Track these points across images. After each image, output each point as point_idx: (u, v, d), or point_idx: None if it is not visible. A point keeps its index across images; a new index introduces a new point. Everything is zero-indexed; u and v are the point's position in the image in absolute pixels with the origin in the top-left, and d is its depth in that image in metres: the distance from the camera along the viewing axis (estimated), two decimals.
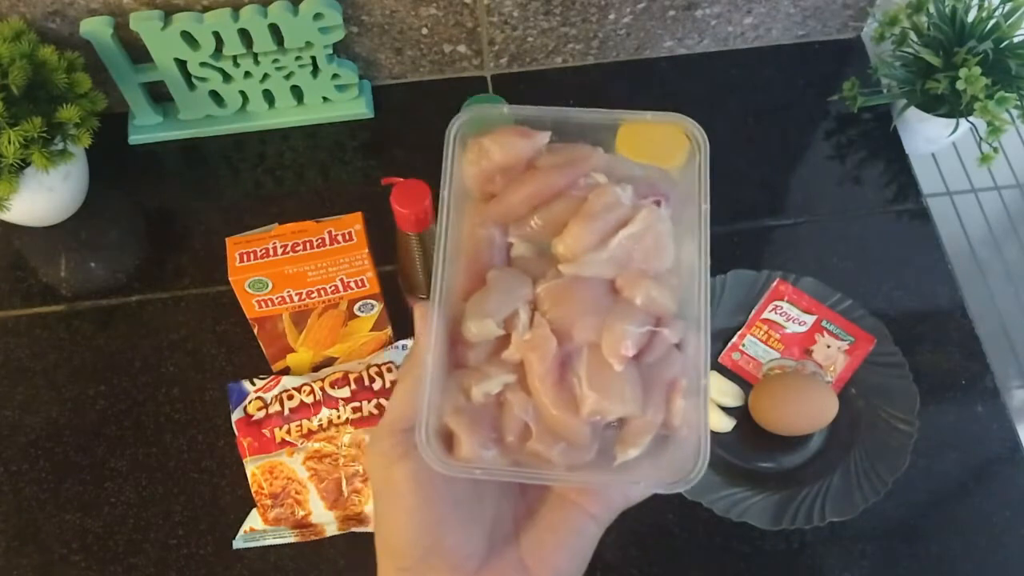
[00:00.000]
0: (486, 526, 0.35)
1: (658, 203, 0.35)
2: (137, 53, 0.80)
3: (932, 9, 0.81)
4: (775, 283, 0.76)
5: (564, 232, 0.34)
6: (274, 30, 0.78)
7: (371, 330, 0.72)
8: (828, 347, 0.74)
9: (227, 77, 0.82)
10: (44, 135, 0.71)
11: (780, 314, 0.75)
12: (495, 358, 0.34)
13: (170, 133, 0.87)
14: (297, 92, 0.86)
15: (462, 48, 0.87)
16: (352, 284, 0.66)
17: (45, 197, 0.77)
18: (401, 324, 0.74)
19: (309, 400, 0.69)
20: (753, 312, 0.76)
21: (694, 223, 0.35)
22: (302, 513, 0.68)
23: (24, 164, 0.72)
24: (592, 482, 0.34)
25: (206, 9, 0.77)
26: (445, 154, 0.36)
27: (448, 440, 0.33)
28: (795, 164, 0.87)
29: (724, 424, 0.72)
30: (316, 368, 0.74)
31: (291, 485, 0.67)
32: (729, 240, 0.81)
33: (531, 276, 0.34)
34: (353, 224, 0.64)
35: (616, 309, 0.34)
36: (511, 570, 0.34)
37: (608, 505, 0.34)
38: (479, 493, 0.35)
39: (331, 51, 0.82)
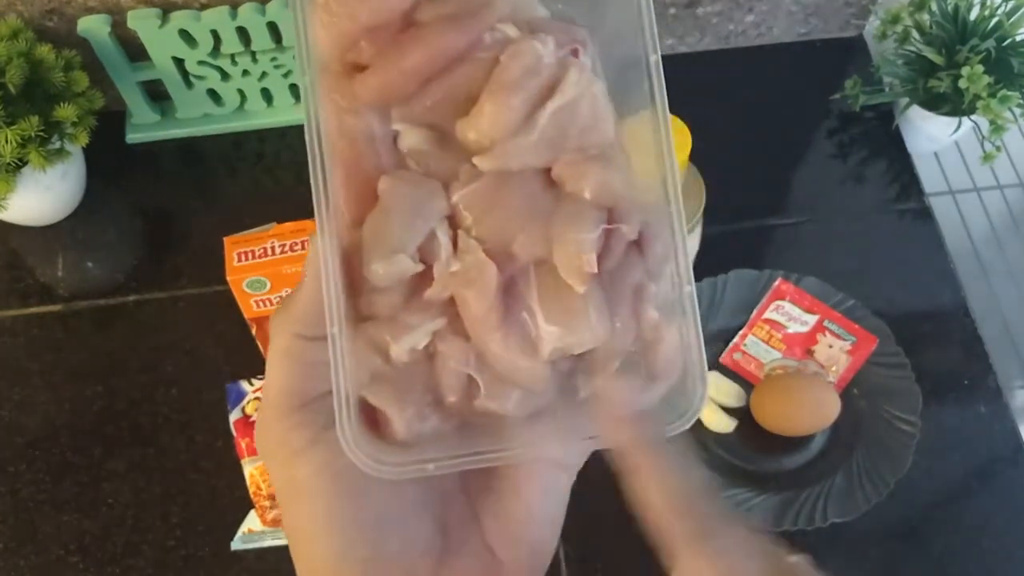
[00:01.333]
0: (435, 511, 0.27)
1: (576, 52, 0.26)
2: (134, 51, 0.80)
3: (934, 7, 0.80)
4: (777, 283, 0.76)
5: (475, 111, 0.25)
6: (272, 28, 0.78)
7: None
8: (830, 347, 0.74)
9: (225, 75, 0.82)
10: (41, 134, 0.70)
11: (782, 314, 0.75)
12: (414, 301, 0.26)
13: (168, 132, 0.86)
14: (295, 90, 0.85)
15: None
16: None
17: (42, 196, 0.77)
18: None
19: None
20: (755, 312, 0.76)
21: (634, 78, 0.27)
22: None
23: (21, 163, 0.72)
24: (577, 443, 0.27)
25: (204, 7, 0.77)
26: (294, 17, 0.26)
27: (371, 419, 0.26)
28: (797, 163, 0.86)
29: (725, 424, 0.71)
30: None
31: None
32: (730, 240, 0.81)
33: (437, 179, 0.26)
34: None
35: (563, 211, 0.26)
36: (476, 563, 0.27)
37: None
38: None
39: None
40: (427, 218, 0.25)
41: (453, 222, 0.26)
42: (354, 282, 0.26)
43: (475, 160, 0.25)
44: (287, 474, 0.26)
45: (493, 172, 0.26)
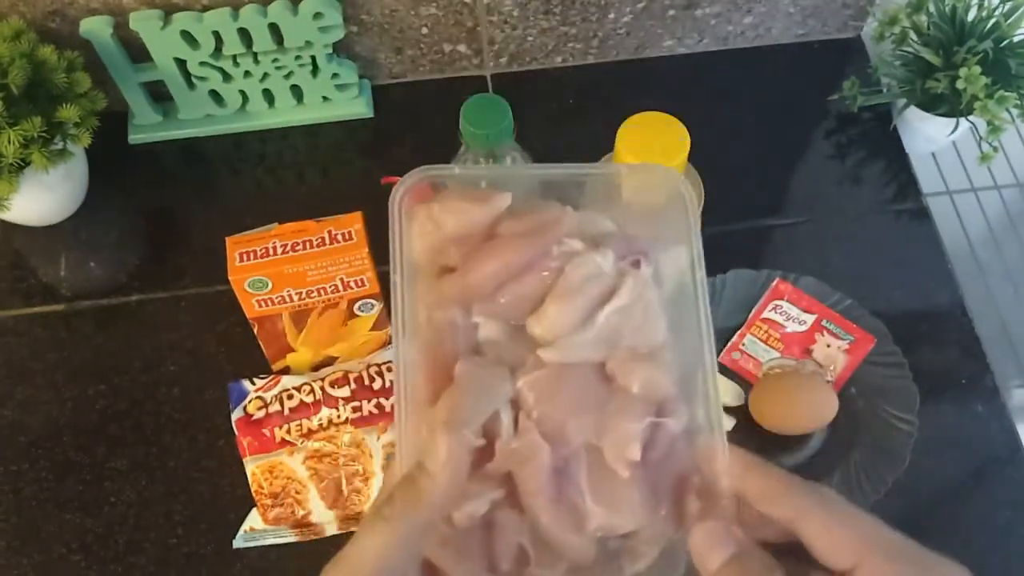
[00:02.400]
0: None
1: (637, 263, 0.30)
2: (137, 52, 0.80)
3: (932, 8, 0.81)
4: (775, 282, 0.76)
5: (541, 310, 0.29)
6: (274, 29, 0.78)
7: (371, 329, 0.72)
8: (828, 346, 0.74)
9: (227, 76, 0.82)
10: (44, 135, 0.71)
11: (780, 313, 0.75)
12: (477, 472, 0.28)
13: (170, 132, 0.87)
14: (297, 91, 0.86)
15: (462, 47, 0.87)
16: (352, 284, 0.66)
17: (45, 196, 0.77)
18: None
19: (309, 399, 0.69)
20: (753, 311, 0.76)
21: (686, 288, 0.30)
22: (302, 513, 0.68)
23: (24, 163, 0.72)
24: None
25: (206, 9, 0.77)
26: (391, 228, 0.31)
27: None
28: (795, 163, 0.87)
29: (724, 423, 0.72)
30: (316, 368, 0.74)
31: (291, 485, 0.67)
32: (729, 239, 0.81)
33: (506, 365, 0.29)
34: (353, 224, 0.64)
35: (614, 403, 0.29)
36: None
37: None
38: None
39: (331, 50, 0.82)
40: (494, 399, 0.29)
41: (516, 404, 0.29)
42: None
43: (539, 352, 0.29)
44: None
45: (555, 363, 0.29)
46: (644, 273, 0.30)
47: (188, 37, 0.78)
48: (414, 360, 0.29)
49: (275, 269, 0.63)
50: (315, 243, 0.63)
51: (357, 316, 0.70)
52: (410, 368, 0.29)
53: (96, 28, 0.76)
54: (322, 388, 0.69)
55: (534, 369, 0.29)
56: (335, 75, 0.84)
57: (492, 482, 0.29)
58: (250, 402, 0.70)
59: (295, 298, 0.66)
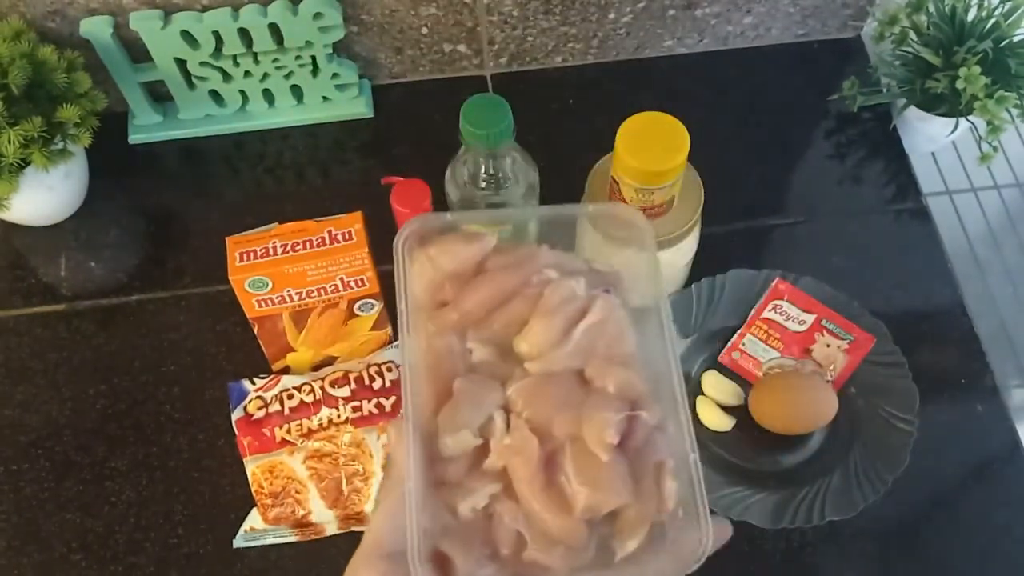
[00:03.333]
0: None
1: (607, 292, 0.35)
2: (137, 53, 0.80)
3: (932, 8, 0.81)
4: (775, 282, 0.76)
5: (525, 330, 0.34)
6: (274, 29, 0.78)
7: (371, 329, 0.72)
8: (828, 346, 0.74)
9: (227, 76, 0.82)
10: (44, 134, 0.71)
11: (780, 313, 0.75)
12: (476, 470, 0.33)
13: (170, 132, 0.87)
14: (297, 91, 0.86)
15: (462, 47, 0.87)
16: (352, 283, 0.66)
17: (45, 196, 0.77)
18: None
19: (309, 399, 0.69)
20: (753, 311, 0.76)
21: (648, 311, 0.36)
22: (302, 512, 0.68)
23: (24, 163, 0.72)
24: None
25: (205, 9, 0.77)
26: (396, 269, 0.35)
27: (441, 565, 0.31)
28: (794, 163, 0.87)
29: (724, 423, 0.72)
30: (316, 367, 0.74)
31: (291, 484, 0.68)
32: (728, 239, 0.81)
33: (498, 379, 0.34)
34: (353, 223, 0.64)
35: (591, 399, 0.33)
36: None
37: None
38: None
39: (331, 50, 0.82)
40: (487, 405, 0.33)
41: (508, 409, 0.33)
42: (432, 455, 0.33)
43: (526, 365, 0.34)
44: None
45: (539, 373, 0.34)
46: (613, 298, 0.35)
47: (188, 37, 0.78)
48: (419, 380, 0.34)
49: (275, 269, 0.63)
50: (315, 243, 0.64)
51: (357, 316, 0.70)
52: (417, 387, 0.34)
53: (96, 28, 0.76)
54: (322, 388, 0.69)
55: (522, 378, 0.34)
56: (335, 75, 0.84)
57: (490, 477, 0.33)
58: (250, 402, 0.70)
59: (295, 298, 0.66)
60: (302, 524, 0.68)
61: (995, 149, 0.82)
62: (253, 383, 0.71)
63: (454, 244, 0.35)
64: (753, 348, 0.75)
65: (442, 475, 0.33)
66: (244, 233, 0.65)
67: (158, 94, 0.86)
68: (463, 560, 0.31)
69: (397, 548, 0.31)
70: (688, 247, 0.70)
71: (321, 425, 0.68)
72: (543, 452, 0.32)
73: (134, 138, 0.87)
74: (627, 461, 0.33)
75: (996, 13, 0.79)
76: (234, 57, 0.81)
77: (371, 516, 0.34)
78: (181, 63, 0.80)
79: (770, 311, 0.76)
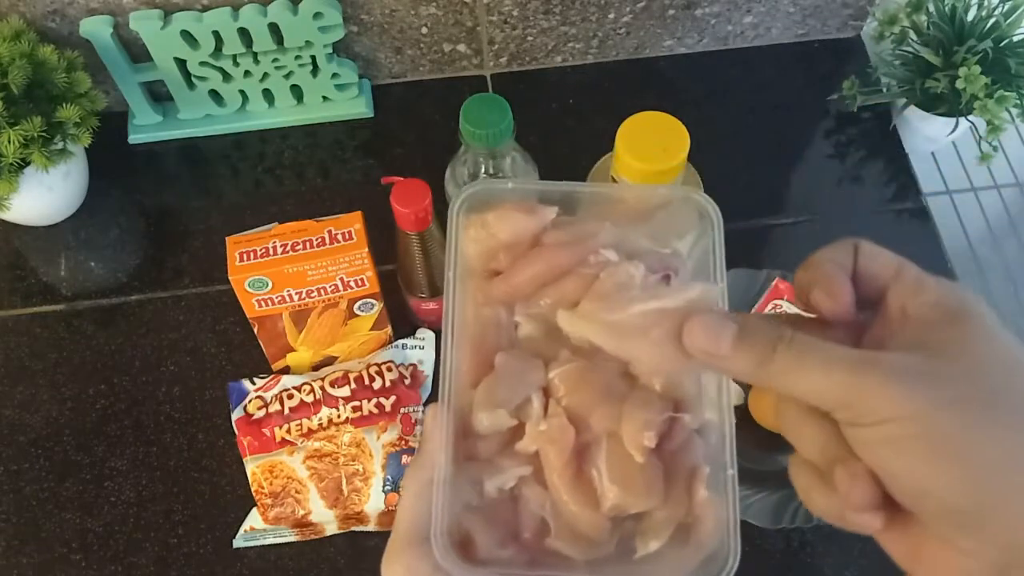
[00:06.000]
0: None
1: (667, 278, 0.34)
2: (137, 52, 0.80)
3: (932, 8, 0.81)
4: (775, 282, 0.76)
5: (576, 310, 0.33)
6: (274, 29, 0.78)
7: (371, 329, 0.72)
8: None
9: (227, 76, 0.82)
10: (44, 134, 0.71)
11: (780, 313, 0.75)
12: (508, 449, 0.32)
13: (170, 132, 0.87)
14: (297, 91, 0.86)
15: (462, 47, 0.87)
16: (352, 283, 0.66)
17: (45, 196, 0.77)
18: (401, 323, 0.74)
19: (309, 399, 0.69)
20: (753, 311, 0.76)
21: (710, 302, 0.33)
22: (302, 512, 0.68)
23: (24, 163, 0.72)
24: None
25: (206, 8, 0.77)
26: (449, 231, 0.34)
27: (464, 541, 0.31)
28: (794, 163, 0.87)
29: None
30: (316, 367, 0.74)
31: (291, 484, 0.68)
32: (728, 239, 0.80)
33: (542, 359, 0.33)
34: (353, 223, 0.64)
35: (634, 396, 0.32)
36: None
37: None
38: None
39: (331, 50, 0.82)
40: (527, 385, 0.32)
41: (548, 392, 0.32)
42: (466, 430, 0.32)
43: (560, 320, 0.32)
44: None
45: (585, 361, 0.32)
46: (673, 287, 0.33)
47: (188, 37, 0.78)
48: (462, 349, 0.33)
49: (275, 269, 0.63)
50: (315, 243, 0.64)
51: (357, 316, 0.70)
52: (458, 356, 0.33)
53: (96, 28, 0.76)
54: (322, 388, 0.69)
55: (566, 363, 0.33)
56: (335, 75, 0.84)
57: (521, 459, 0.32)
58: (250, 402, 0.70)
59: (295, 298, 0.66)
60: (302, 524, 0.68)
61: (995, 149, 0.82)
62: (253, 383, 0.71)
63: (514, 212, 0.34)
64: None
65: (472, 450, 0.32)
66: (244, 233, 0.65)
67: (158, 94, 0.86)
68: (483, 538, 0.31)
69: (424, 532, 0.31)
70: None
71: (321, 425, 0.68)
72: (578, 443, 0.32)
73: (134, 138, 0.87)
74: (662, 463, 0.32)
75: (996, 13, 0.79)
76: (234, 57, 0.81)
77: (399, 501, 0.33)
78: (181, 63, 0.80)
79: (770, 310, 0.76)
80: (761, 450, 0.72)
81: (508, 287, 0.33)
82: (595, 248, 0.33)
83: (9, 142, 0.69)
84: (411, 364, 0.73)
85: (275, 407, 0.69)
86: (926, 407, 0.25)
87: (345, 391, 0.69)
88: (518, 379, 0.32)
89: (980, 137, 0.82)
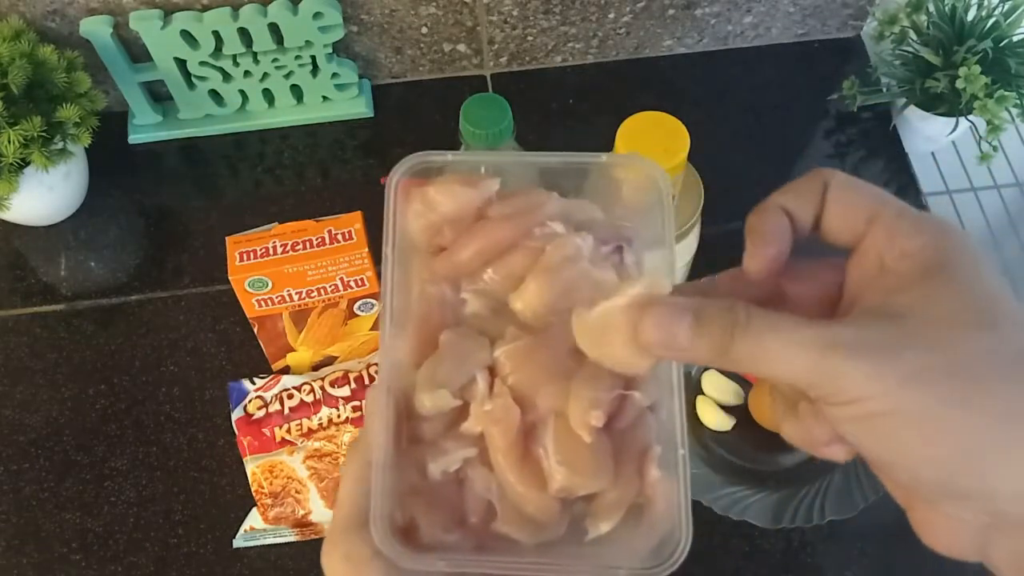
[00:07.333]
0: None
1: (619, 249, 0.32)
2: (137, 52, 0.80)
3: (932, 8, 0.81)
4: None
5: (522, 287, 0.31)
6: (273, 29, 0.78)
7: (371, 329, 0.72)
8: None
9: (227, 76, 0.82)
10: (44, 134, 0.71)
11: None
12: (452, 431, 0.31)
13: (170, 132, 0.87)
14: (297, 91, 0.86)
15: (462, 47, 0.87)
16: (352, 283, 0.66)
17: (45, 196, 0.77)
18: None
19: (309, 399, 0.69)
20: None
21: (661, 271, 0.33)
22: (302, 512, 0.68)
23: (24, 163, 0.72)
24: (568, 569, 0.30)
25: (205, 8, 0.77)
26: (387, 207, 0.32)
27: (407, 526, 0.30)
28: (794, 163, 0.87)
29: (724, 423, 0.72)
30: (316, 367, 0.74)
31: (291, 484, 0.68)
32: (728, 239, 0.81)
33: (488, 336, 0.32)
34: (353, 223, 0.64)
35: (582, 373, 0.31)
36: None
37: None
38: None
39: (331, 50, 0.82)
40: (472, 365, 0.31)
41: (493, 372, 0.31)
42: (410, 411, 0.31)
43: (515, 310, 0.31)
44: None
45: (532, 337, 0.31)
46: (626, 260, 0.32)
47: (188, 37, 0.78)
48: (403, 328, 0.32)
49: (275, 269, 0.63)
50: (315, 243, 0.64)
51: (357, 316, 0.70)
52: (398, 335, 0.32)
53: (96, 28, 0.76)
54: (322, 388, 0.69)
55: (512, 340, 0.31)
56: (335, 75, 0.84)
57: (466, 440, 0.31)
58: (250, 402, 0.70)
59: (295, 298, 0.66)
60: (302, 524, 0.68)
61: (995, 149, 0.82)
62: (253, 383, 0.71)
63: (456, 185, 0.32)
64: None
65: (416, 432, 0.31)
66: (244, 233, 0.65)
67: (158, 94, 0.86)
68: (427, 523, 0.30)
69: (364, 518, 0.29)
70: (688, 247, 0.70)
71: (321, 425, 0.68)
72: (524, 422, 0.30)
73: (134, 138, 0.87)
74: (611, 442, 0.30)
75: (996, 13, 0.79)
76: (234, 57, 0.81)
77: (341, 484, 0.32)
78: (181, 63, 0.80)
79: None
80: (761, 450, 0.72)
81: (452, 263, 0.32)
82: (541, 220, 0.32)
83: (9, 142, 0.69)
84: None
85: (275, 407, 0.69)
86: (892, 384, 0.25)
87: (345, 391, 0.69)
88: (462, 358, 0.31)
89: (980, 137, 0.82)
